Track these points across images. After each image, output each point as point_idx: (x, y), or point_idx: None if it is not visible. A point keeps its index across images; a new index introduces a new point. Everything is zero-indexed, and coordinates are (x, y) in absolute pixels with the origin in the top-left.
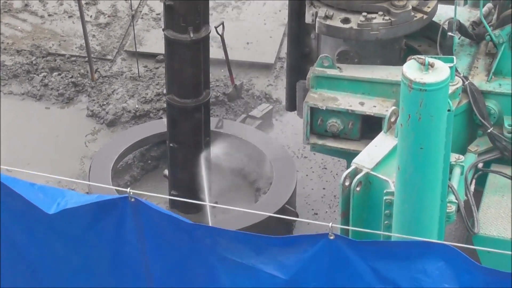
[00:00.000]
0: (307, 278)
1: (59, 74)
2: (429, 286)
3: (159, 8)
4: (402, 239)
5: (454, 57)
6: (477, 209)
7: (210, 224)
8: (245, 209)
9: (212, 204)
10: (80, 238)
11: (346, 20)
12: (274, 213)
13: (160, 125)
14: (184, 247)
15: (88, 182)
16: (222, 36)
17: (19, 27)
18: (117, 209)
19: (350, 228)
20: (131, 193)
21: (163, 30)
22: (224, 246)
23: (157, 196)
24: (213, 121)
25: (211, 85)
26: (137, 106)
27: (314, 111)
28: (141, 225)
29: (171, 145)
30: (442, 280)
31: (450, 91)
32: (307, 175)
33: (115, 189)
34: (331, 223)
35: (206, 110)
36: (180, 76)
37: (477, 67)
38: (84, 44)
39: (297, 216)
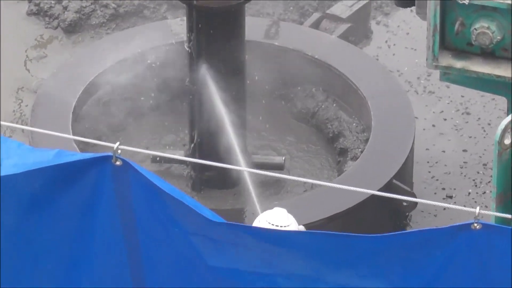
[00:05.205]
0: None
1: None
2: None
3: None
4: None
5: None
6: None
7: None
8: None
9: (248, 169)
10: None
11: None
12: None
13: (161, 30)
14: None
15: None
16: None
17: None
18: (92, 176)
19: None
20: (119, 151)
21: None
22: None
23: (168, 156)
24: (261, 25)
25: None
26: None
27: (447, 7)
28: (128, 207)
29: (195, 86)
30: None
31: None
32: (434, 126)
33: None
34: (478, 208)
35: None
36: None
37: None
38: None
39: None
